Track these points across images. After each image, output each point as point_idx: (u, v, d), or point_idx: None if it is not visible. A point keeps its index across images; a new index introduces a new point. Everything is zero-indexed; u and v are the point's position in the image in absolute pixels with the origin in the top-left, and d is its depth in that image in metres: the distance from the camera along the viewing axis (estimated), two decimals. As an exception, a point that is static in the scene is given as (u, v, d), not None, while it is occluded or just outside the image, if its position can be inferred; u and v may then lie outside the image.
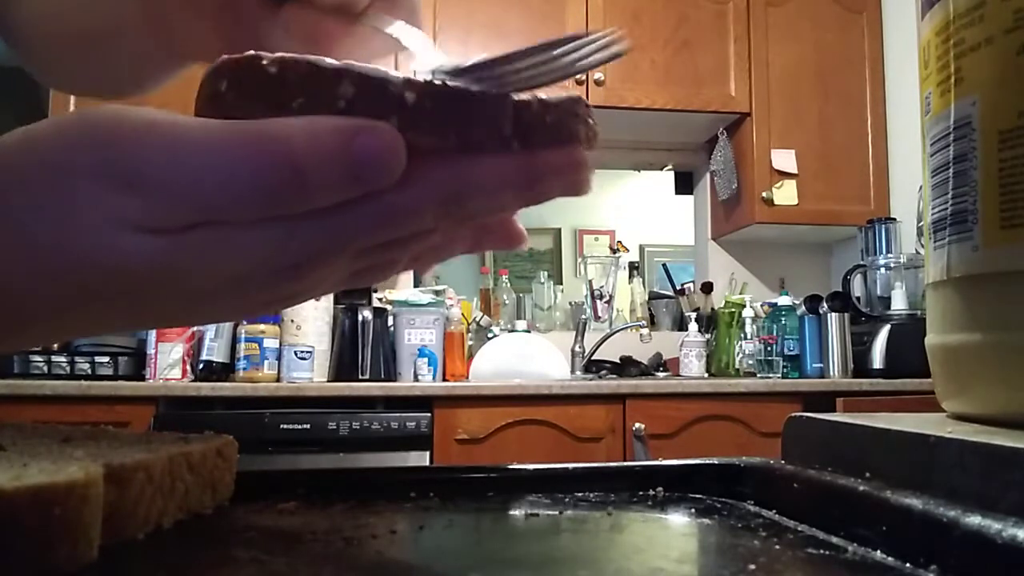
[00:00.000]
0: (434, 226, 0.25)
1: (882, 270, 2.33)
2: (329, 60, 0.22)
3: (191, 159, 0.21)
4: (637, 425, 2.04)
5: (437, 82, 0.22)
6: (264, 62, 0.22)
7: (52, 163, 0.22)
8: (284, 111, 0.22)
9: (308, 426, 1.87)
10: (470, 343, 2.43)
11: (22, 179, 0.22)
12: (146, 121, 0.22)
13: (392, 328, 2.23)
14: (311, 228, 0.23)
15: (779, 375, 2.30)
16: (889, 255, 2.34)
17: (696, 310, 2.66)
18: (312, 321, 2.11)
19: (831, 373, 2.22)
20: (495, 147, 0.23)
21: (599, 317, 2.56)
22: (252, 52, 0.22)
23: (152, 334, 2.07)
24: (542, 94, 0.24)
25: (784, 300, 2.42)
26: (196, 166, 0.21)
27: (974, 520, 0.21)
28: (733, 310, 2.58)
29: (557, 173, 0.24)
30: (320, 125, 0.21)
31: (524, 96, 0.24)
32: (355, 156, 0.21)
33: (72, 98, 2.20)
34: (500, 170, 0.23)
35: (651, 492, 0.34)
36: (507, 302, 2.72)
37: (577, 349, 2.49)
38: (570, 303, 2.85)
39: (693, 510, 0.32)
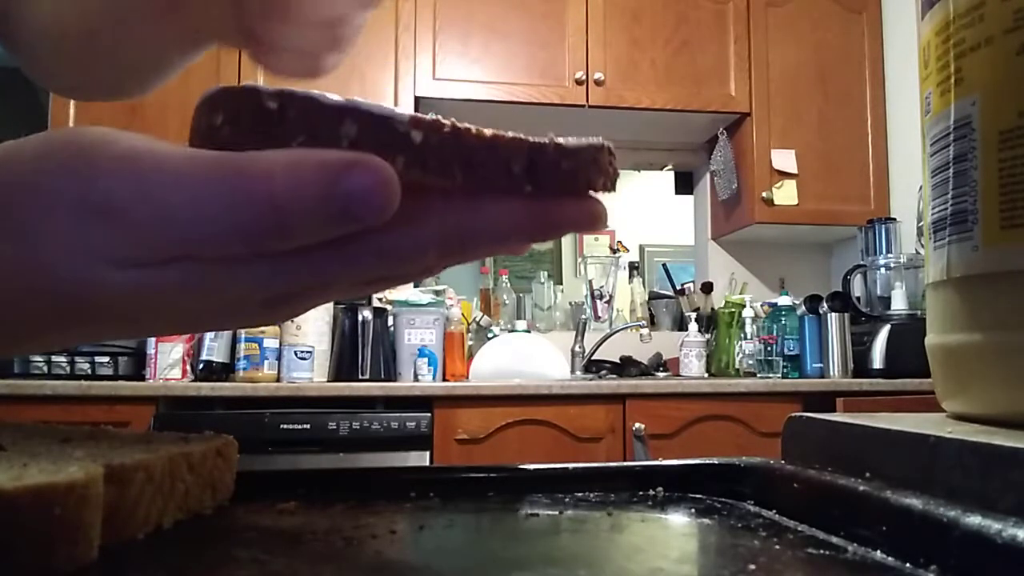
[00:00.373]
0: (435, 264, 0.24)
1: (882, 270, 2.33)
2: (332, 96, 0.21)
3: (166, 193, 0.20)
4: (637, 425, 2.04)
5: (445, 121, 0.21)
6: (263, 96, 0.21)
7: (32, 188, 0.21)
8: (284, 147, 0.21)
9: (308, 426, 1.87)
10: (470, 343, 2.43)
11: (1, 200, 0.21)
12: (129, 151, 0.21)
13: (392, 328, 2.23)
14: (298, 265, 0.22)
15: (779, 375, 2.30)
16: (889, 255, 2.34)
17: (696, 310, 2.66)
18: (312, 321, 2.11)
19: (831, 373, 2.22)
20: (505, 188, 0.22)
21: (599, 317, 2.56)
22: (251, 84, 0.21)
23: (152, 334, 2.07)
24: (560, 139, 0.23)
25: (784, 300, 2.42)
26: (171, 201, 0.20)
27: (974, 520, 0.21)
28: (733, 310, 2.58)
29: (570, 224, 0.24)
30: (306, 160, 0.20)
31: (540, 139, 0.23)
32: (343, 192, 0.20)
33: (72, 101, 2.21)
34: (509, 215, 0.23)
35: (651, 492, 0.34)
36: (507, 302, 2.72)
37: (577, 349, 2.49)
38: (570, 303, 2.85)
39: (693, 510, 0.32)
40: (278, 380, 2.06)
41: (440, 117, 0.22)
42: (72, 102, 2.25)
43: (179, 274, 0.22)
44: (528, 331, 2.45)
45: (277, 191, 0.20)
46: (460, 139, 0.21)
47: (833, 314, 2.23)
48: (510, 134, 0.22)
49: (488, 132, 0.22)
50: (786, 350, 2.30)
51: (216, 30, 0.44)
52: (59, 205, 0.21)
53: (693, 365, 2.43)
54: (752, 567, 0.23)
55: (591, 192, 0.24)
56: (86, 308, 0.22)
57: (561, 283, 2.92)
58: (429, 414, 1.95)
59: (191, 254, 0.21)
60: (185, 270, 0.21)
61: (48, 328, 0.24)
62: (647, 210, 4.51)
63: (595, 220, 0.24)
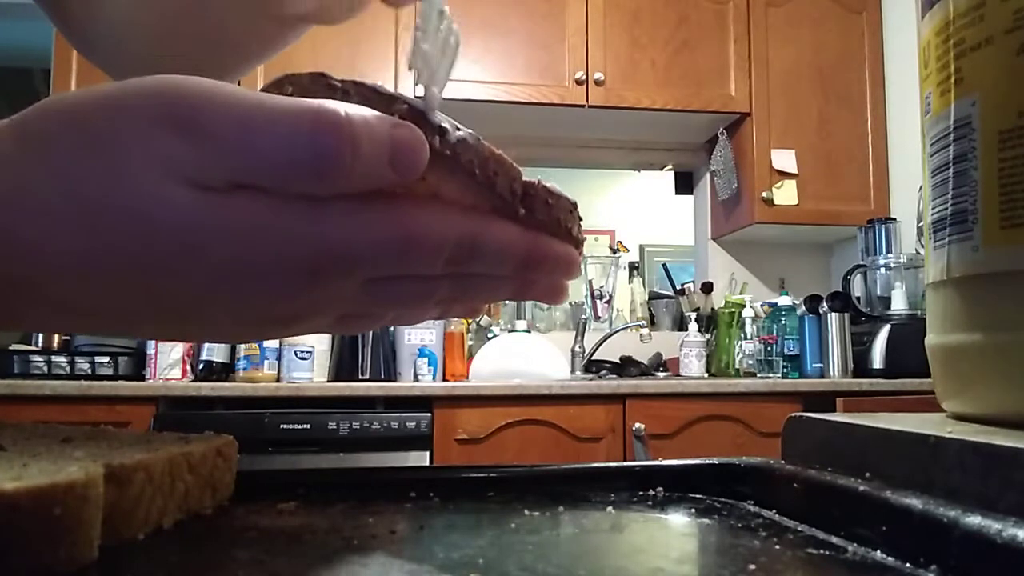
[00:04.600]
0: (441, 272, 0.26)
1: (882, 270, 2.33)
2: (387, 88, 0.25)
3: (252, 116, 0.22)
4: (637, 425, 2.04)
5: (468, 129, 0.25)
6: (329, 78, 0.24)
7: (116, 105, 0.22)
8: None
9: (308, 426, 1.87)
10: (470, 343, 2.43)
11: (84, 115, 0.22)
12: (219, 83, 0.22)
13: (392, 328, 2.23)
14: (337, 233, 0.23)
15: (779, 375, 2.30)
16: (889, 255, 2.34)
17: (696, 310, 2.66)
18: (312, 321, 2.11)
19: (831, 373, 2.22)
20: (506, 201, 0.25)
21: (599, 317, 2.56)
22: (318, 72, 0.25)
23: (152, 334, 2.06)
24: (545, 181, 0.27)
25: (784, 300, 2.42)
26: (257, 123, 0.22)
27: (974, 520, 0.21)
28: (733, 310, 2.58)
29: (554, 261, 0.27)
30: (368, 110, 0.23)
31: (529, 179, 0.26)
32: (394, 141, 0.23)
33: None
34: (509, 237, 0.26)
35: (651, 492, 0.34)
36: (507, 302, 2.72)
37: (577, 349, 2.49)
38: (570, 303, 2.85)
39: (693, 510, 0.32)
40: (278, 380, 2.06)
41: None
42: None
43: (238, 209, 0.22)
44: (528, 331, 2.45)
45: (353, 125, 0.22)
46: (478, 143, 0.25)
47: (833, 314, 2.23)
48: (510, 160, 0.26)
49: (496, 150, 0.25)
50: (786, 350, 2.30)
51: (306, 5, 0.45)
52: (142, 119, 0.22)
53: (693, 365, 2.43)
54: (752, 567, 0.23)
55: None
56: (133, 234, 0.22)
57: (561, 283, 2.94)
58: (429, 414, 1.95)
59: (258, 183, 0.22)
60: (244, 206, 0.22)
61: (88, 267, 0.23)
62: (647, 210, 4.51)
63: (572, 264, 0.28)
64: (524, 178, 0.26)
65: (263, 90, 0.24)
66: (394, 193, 0.24)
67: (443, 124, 0.24)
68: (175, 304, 0.25)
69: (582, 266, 2.28)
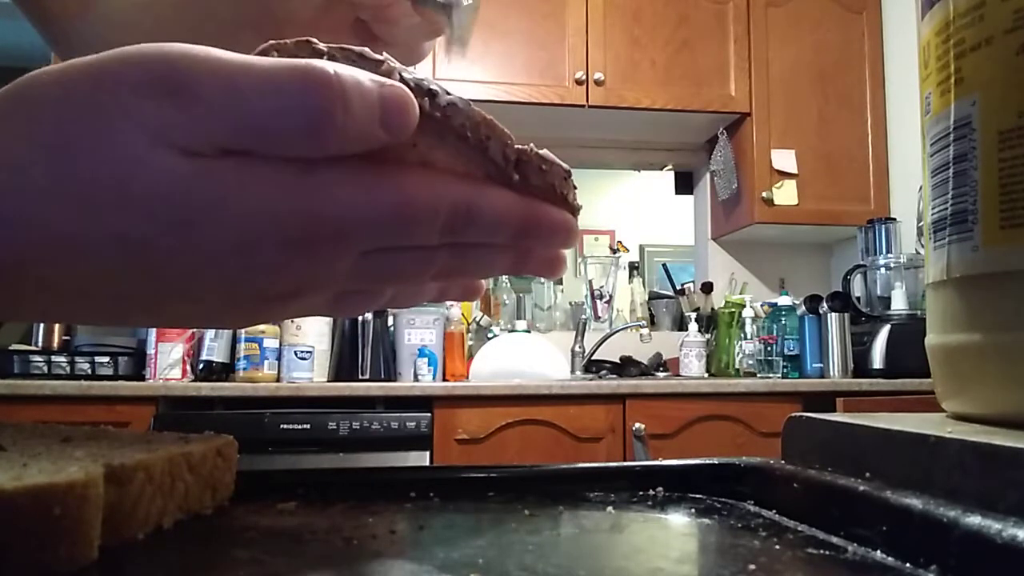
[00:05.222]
0: (436, 243, 0.25)
1: (882, 270, 2.33)
2: (374, 53, 0.24)
3: (241, 77, 0.21)
4: (637, 425, 2.04)
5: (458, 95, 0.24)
6: (316, 44, 0.24)
7: (100, 72, 0.22)
8: None
9: (308, 426, 1.87)
10: (470, 343, 2.43)
11: (69, 84, 0.22)
12: (200, 47, 0.22)
13: (392, 328, 2.23)
14: (328, 202, 0.23)
15: (779, 375, 2.30)
16: (889, 255, 2.34)
17: (696, 310, 2.66)
18: (312, 321, 2.11)
19: (831, 373, 2.22)
20: (499, 167, 0.25)
21: (599, 317, 2.56)
22: (303, 38, 0.24)
23: (152, 334, 2.06)
24: (537, 148, 0.26)
25: (784, 300, 2.42)
26: (246, 85, 0.21)
27: (974, 520, 0.21)
28: (733, 310, 2.58)
29: (552, 228, 0.26)
30: (356, 70, 0.23)
31: (522, 145, 0.26)
32: (383, 100, 0.22)
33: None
34: (505, 203, 0.25)
35: (651, 492, 0.34)
36: (507, 302, 2.72)
37: (577, 349, 2.49)
38: (570, 303, 2.85)
39: (693, 510, 0.32)
40: (278, 380, 2.06)
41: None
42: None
43: (227, 175, 0.22)
44: (528, 331, 2.45)
45: (346, 85, 0.22)
46: (468, 107, 0.24)
47: (833, 314, 2.23)
48: (501, 127, 0.25)
49: (488, 115, 0.25)
50: (786, 350, 2.30)
51: (330, 27, 0.45)
52: (126, 85, 0.22)
53: (693, 365, 2.43)
54: (752, 567, 0.23)
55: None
56: (123, 212, 0.22)
57: (561, 283, 2.92)
58: (429, 414, 1.95)
59: (248, 148, 0.22)
60: (233, 172, 0.22)
61: (78, 246, 0.23)
62: (647, 210, 4.51)
63: (571, 232, 0.27)
64: (516, 144, 0.25)
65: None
66: (385, 159, 0.24)
67: (432, 87, 0.24)
68: (167, 282, 0.25)
69: (582, 266, 2.27)
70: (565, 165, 0.27)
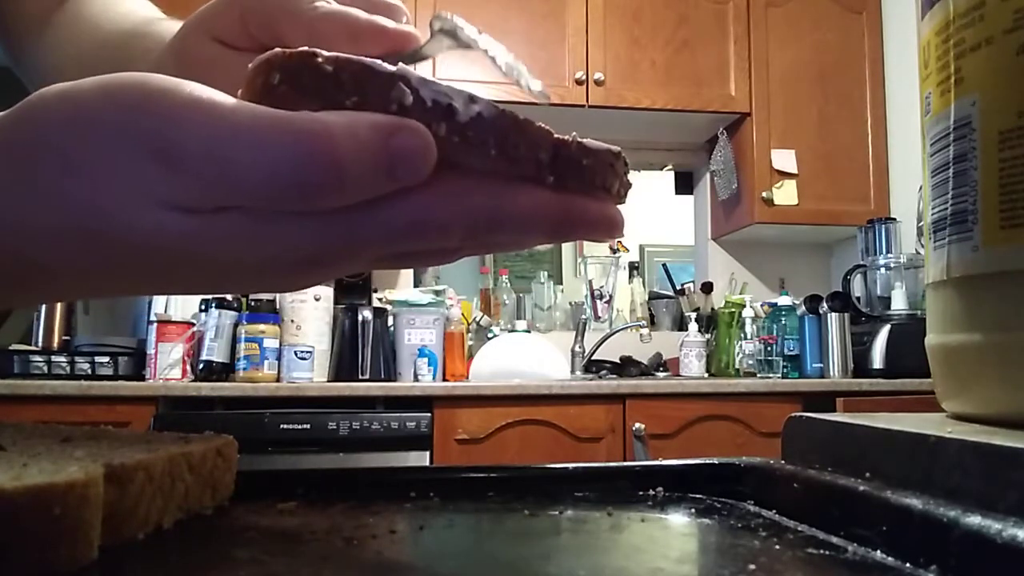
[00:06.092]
0: (459, 246, 0.25)
1: (882, 270, 2.33)
2: (384, 64, 0.22)
3: (233, 143, 0.21)
4: (637, 425, 2.04)
5: (484, 98, 0.23)
6: (319, 59, 0.22)
7: (96, 123, 0.21)
8: (336, 109, 0.22)
9: (308, 426, 1.87)
10: (470, 343, 2.43)
11: (62, 136, 0.22)
12: (193, 99, 0.21)
13: (392, 328, 2.23)
14: (339, 224, 0.23)
15: (779, 375, 2.30)
16: (889, 255, 2.34)
17: (696, 310, 2.66)
18: (312, 321, 2.11)
19: (831, 373, 2.22)
20: (531, 174, 0.23)
21: (599, 317, 2.56)
22: (305, 48, 0.22)
23: (152, 334, 2.06)
24: (581, 138, 0.24)
25: (784, 300, 2.42)
26: (237, 151, 0.21)
27: (974, 520, 0.21)
28: (733, 310, 2.58)
29: (590, 224, 0.25)
30: (360, 121, 0.21)
31: (563, 136, 0.24)
32: (392, 152, 0.21)
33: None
34: (536, 205, 0.24)
35: (651, 492, 0.34)
36: (507, 302, 2.72)
37: (577, 349, 2.49)
38: (570, 303, 2.85)
39: (693, 510, 0.32)
40: (278, 380, 2.06)
41: (477, 98, 0.23)
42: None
43: (228, 225, 0.22)
44: (528, 331, 2.45)
45: (339, 148, 0.21)
46: (496, 116, 0.23)
47: (833, 314, 2.23)
48: (539, 124, 0.24)
49: (520, 116, 0.23)
50: (786, 350, 2.30)
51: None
52: (121, 143, 0.21)
53: (693, 365, 2.43)
54: (752, 567, 0.23)
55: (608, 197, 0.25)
56: (130, 252, 0.22)
57: (561, 283, 2.92)
58: (429, 414, 1.95)
59: (244, 206, 0.22)
60: (235, 221, 0.22)
61: (87, 273, 0.24)
62: (647, 210, 4.50)
63: (612, 224, 0.25)
64: (557, 136, 0.24)
65: (249, 80, 0.23)
66: None
67: (453, 103, 0.22)
68: (186, 285, 0.26)
69: (582, 266, 2.27)
70: (614, 148, 0.25)
